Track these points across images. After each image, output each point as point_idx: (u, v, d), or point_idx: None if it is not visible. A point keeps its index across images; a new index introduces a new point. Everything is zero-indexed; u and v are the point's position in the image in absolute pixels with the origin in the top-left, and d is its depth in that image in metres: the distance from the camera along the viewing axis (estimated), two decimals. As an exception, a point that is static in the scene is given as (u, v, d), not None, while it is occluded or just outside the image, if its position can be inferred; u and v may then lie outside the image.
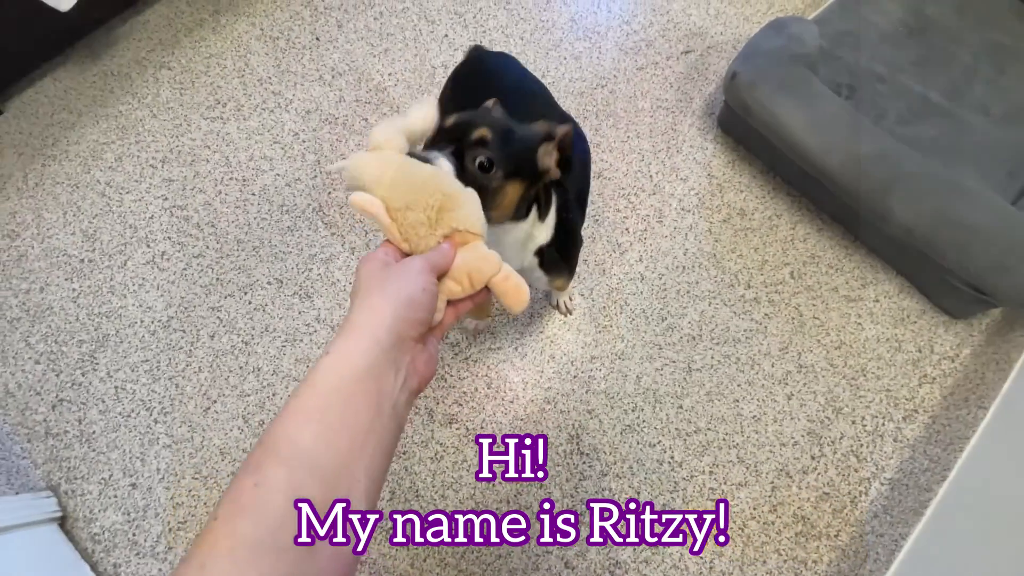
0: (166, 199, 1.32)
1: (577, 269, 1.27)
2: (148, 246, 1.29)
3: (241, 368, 1.19)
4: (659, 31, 1.52)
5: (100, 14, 1.43)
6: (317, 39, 1.47)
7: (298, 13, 1.50)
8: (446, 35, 1.49)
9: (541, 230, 0.73)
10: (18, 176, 1.35)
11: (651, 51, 1.50)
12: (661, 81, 1.46)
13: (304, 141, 1.37)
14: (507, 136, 0.55)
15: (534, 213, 0.69)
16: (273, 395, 1.17)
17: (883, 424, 1.17)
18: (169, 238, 1.29)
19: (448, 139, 0.53)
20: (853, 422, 1.18)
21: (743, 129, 1.36)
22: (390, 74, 1.44)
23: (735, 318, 1.25)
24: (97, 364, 1.19)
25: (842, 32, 1.36)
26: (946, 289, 1.23)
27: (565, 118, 0.97)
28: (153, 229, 1.30)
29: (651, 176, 1.37)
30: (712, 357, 1.22)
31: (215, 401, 1.17)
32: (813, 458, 1.15)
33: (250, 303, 1.24)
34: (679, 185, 1.37)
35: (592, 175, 1.27)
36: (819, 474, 1.14)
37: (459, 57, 1.47)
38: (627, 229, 1.33)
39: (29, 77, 1.44)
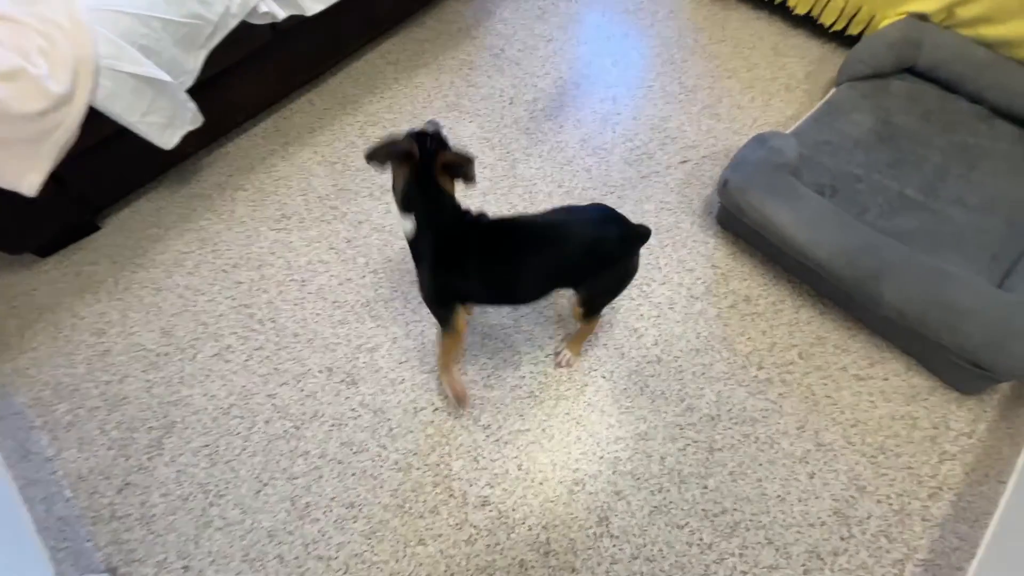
0: (234, 299, 1.52)
1: (598, 353, 1.39)
2: (216, 340, 1.45)
3: (291, 452, 1.29)
4: (658, 145, 1.76)
5: (190, 147, 1.73)
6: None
7: (353, 143, 1.79)
8: (477, 156, 1.75)
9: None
10: (110, 282, 1.57)
11: (652, 162, 1.73)
12: (663, 187, 1.67)
13: (356, 247, 1.59)
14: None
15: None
16: (320, 478, 1.26)
17: (909, 503, 1.19)
18: (235, 333, 1.46)
19: None
20: (879, 501, 1.20)
21: (740, 226, 1.53)
22: (429, 188, 1.68)
23: (751, 398, 1.33)
24: (163, 450, 1.31)
25: (820, 141, 1.57)
26: (950, 366, 1.31)
27: None
28: (221, 325, 1.48)
29: (660, 267, 1.53)
30: (732, 437, 1.28)
31: (266, 484, 1.26)
32: (842, 539, 1.16)
33: (302, 390, 1.37)
34: (686, 275, 1.51)
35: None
36: (850, 556, 1.15)
37: (488, 174, 1.72)
38: (642, 315, 1.46)
39: (127, 199, 1.72)
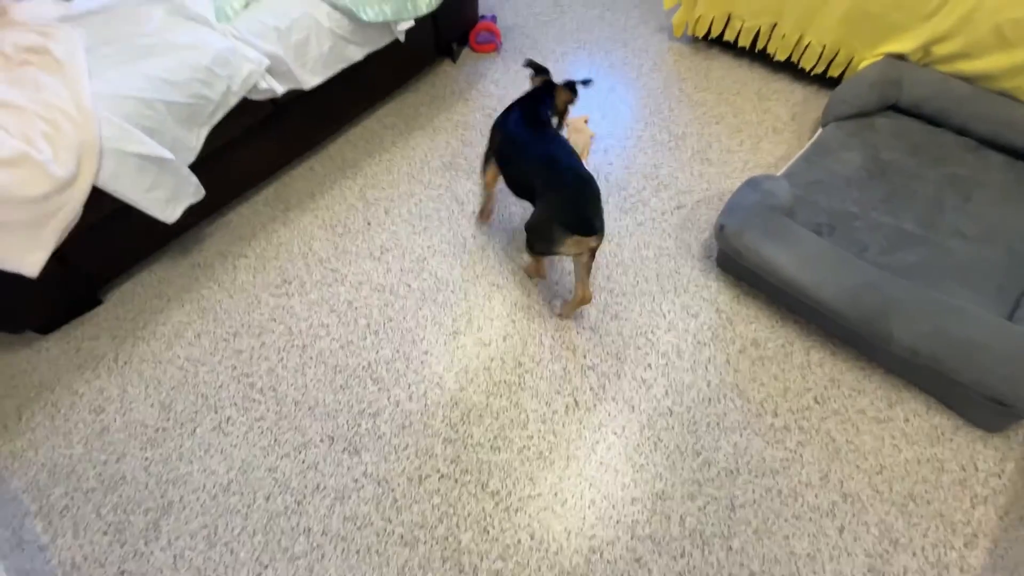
0: (235, 368, 1.50)
1: (607, 407, 1.35)
2: (216, 412, 1.43)
3: (293, 529, 1.24)
4: (652, 192, 1.79)
5: (192, 219, 1.76)
6: (368, 224, 1.77)
7: (353, 205, 1.82)
8: (473, 211, 1.78)
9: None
10: (110, 356, 1.55)
11: (647, 209, 1.74)
12: (660, 232, 1.68)
13: (357, 308, 1.58)
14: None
15: None
16: (322, 557, 1.20)
17: (945, 553, 1.12)
18: (235, 404, 1.43)
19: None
20: (914, 554, 1.13)
21: (740, 269, 1.52)
22: (428, 247, 1.70)
23: (768, 448, 1.28)
24: (160, 532, 1.25)
25: (812, 181, 1.59)
26: (971, 403, 1.26)
27: None
28: (221, 396, 1.45)
29: (664, 314, 1.51)
30: (753, 491, 1.22)
31: (266, 566, 1.20)
32: (882, 600, 1.09)
33: (303, 462, 1.33)
34: (691, 321, 1.49)
35: (610, 317, 1.42)
36: (893, 619, 1.07)
37: (484, 228, 1.74)
38: (649, 365, 1.43)
39: (129, 271, 1.74)
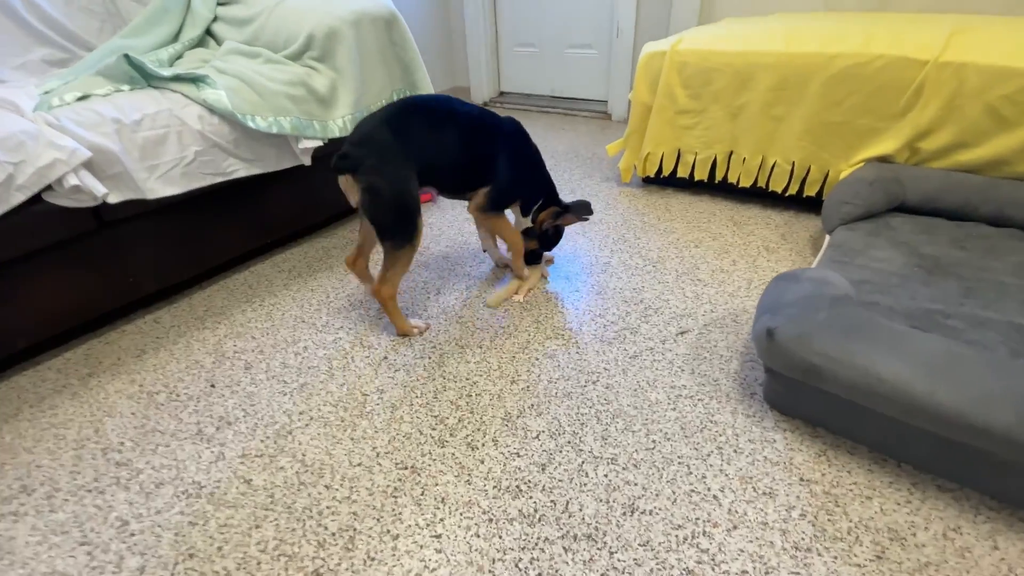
0: None
1: None
2: None
3: None
4: (639, 318, 1.28)
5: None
6: (212, 387, 1.12)
7: (198, 362, 1.19)
8: (385, 357, 1.18)
9: None
10: None
11: (638, 337, 1.21)
12: (667, 366, 1.12)
13: (132, 534, 0.82)
14: None
15: None
16: None
17: None
18: None
19: None
20: None
21: (814, 404, 0.94)
22: (301, 413, 1.04)
23: None
24: None
25: (857, 280, 1.14)
26: None
27: None
28: None
29: (715, 497, 0.84)
30: None
31: None
32: None
33: None
34: (767, 504, 0.82)
35: (623, 510, 0.73)
36: None
37: (401, 377, 1.12)
38: (716, 608, 0.69)
39: None
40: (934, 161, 1.48)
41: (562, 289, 1.42)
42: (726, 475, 0.87)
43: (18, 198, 1.02)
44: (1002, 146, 1.37)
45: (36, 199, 1.06)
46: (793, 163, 1.70)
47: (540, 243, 1.41)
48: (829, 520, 0.79)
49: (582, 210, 1.32)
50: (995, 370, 0.76)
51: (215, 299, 1.44)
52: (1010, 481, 0.80)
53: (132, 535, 0.82)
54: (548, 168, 1.39)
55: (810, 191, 1.71)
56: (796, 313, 0.91)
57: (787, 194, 1.76)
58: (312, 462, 0.93)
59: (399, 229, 1.10)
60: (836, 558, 0.74)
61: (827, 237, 1.42)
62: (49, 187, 1.06)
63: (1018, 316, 1.01)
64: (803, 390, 0.92)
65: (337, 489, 0.87)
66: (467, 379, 1.11)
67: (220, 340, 1.26)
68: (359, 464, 0.92)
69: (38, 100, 1.15)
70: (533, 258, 1.44)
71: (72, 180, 1.06)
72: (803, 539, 0.76)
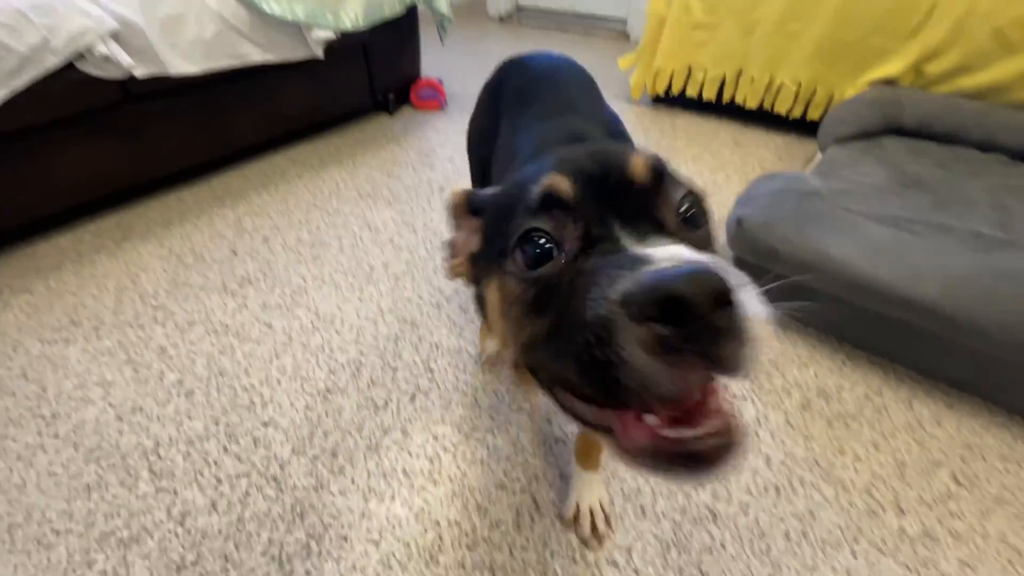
0: (-101, 458, 0.80)
1: (624, 521, 0.72)
2: None
3: None
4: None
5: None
6: (234, 253, 1.24)
7: (220, 233, 1.30)
8: (391, 239, 1.29)
9: None
10: None
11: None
12: (648, 259, 1.22)
13: (171, 357, 0.96)
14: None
15: None
16: None
17: None
18: None
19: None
20: None
21: (771, 290, 1.04)
22: (315, 276, 1.16)
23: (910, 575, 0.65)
24: None
25: (836, 190, 1.20)
26: None
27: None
28: None
29: (671, 358, 0.96)
30: None
31: None
32: None
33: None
34: (714, 366, 0.94)
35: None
36: None
37: (405, 256, 1.23)
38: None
39: None
40: (938, 85, 1.49)
41: (559, 192, 1.50)
42: (685, 342, 0.99)
43: (52, 61, 1.09)
44: (1005, 71, 1.37)
45: (69, 67, 1.12)
46: (800, 83, 1.70)
47: None
48: (766, 378, 0.91)
49: None
50: (931, 252, 0.85)
51: (232, 183, 1.53)
52: (940, 356, 0.91)
53: (170, 358, 0.96)
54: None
55: (813, 114, 1.73)
56: (765, 204, 0.99)
57: (791, 116, 1.78)
58: (324, 314, 1.06)
59: None
60: (766, 404, 0.86)
61: (819, 154, 1.47)
62: (81, 56, 1.12)
63: (981, 225, 1.08)
64: (760, 275, 1.02)
65: (346, 334, 1.01)
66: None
67: (239, 217, 1.37)
68: (366, 317, 1.05)
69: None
70: None
71: (102, 49, 1.12)
72: (741, 392, 0.89)
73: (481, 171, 0.81)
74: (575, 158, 0.36)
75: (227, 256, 1.23)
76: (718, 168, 1.62)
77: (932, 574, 0.66)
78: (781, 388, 0.90)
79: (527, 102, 0.70)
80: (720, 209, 1.41)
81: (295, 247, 1.26)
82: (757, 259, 0.98)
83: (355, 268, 1.19)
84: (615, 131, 0.72)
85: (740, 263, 1.05)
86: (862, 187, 1.22)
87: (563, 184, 0.33)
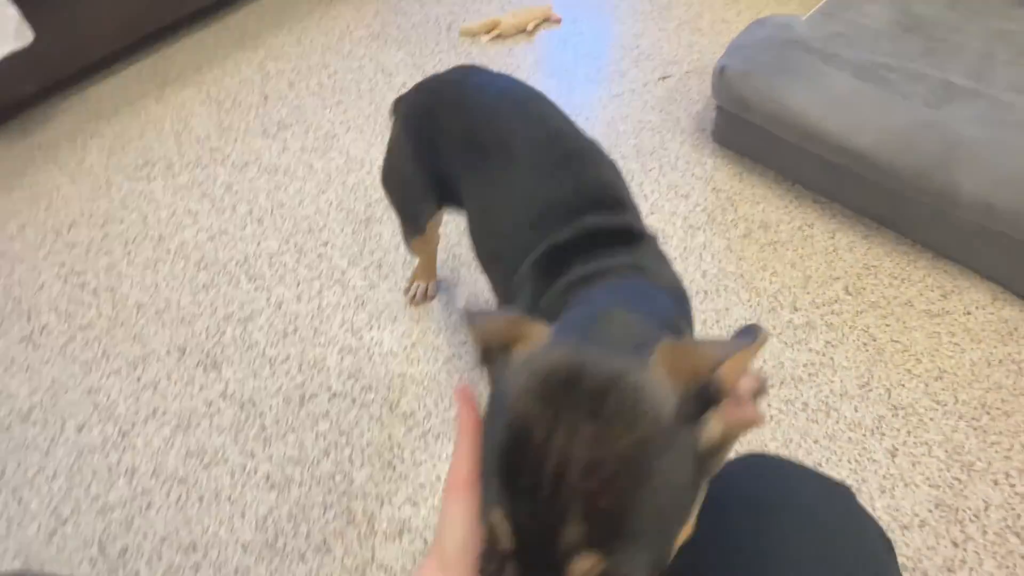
0: (63, 265, 1.09)
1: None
2: (28, 320, 1.02)
3: (110, 470, 0.85)
4: (632, 62, 1.42)
5: (31, 87, 1.34)
6: (266, 98, 1.37)
7: (249, 79, 1.42)
8: (404, 83, 1.39)
9: None
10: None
11: (625, 80, 1.38)
12: (640, 105, 1.32)
13: (237, 192, 1.19)
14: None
15: None
16: (147, 506, 0.81)
17: (1045, 480, 0.78)
18: (56, 308, 1.03)
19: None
20: (995, 482, 0.80)
21: (745, 138, 1.17)
22: (342, 122, 1.31)
23: (788, 350, 0.93)
24: (-89, 480, 0.85)
25: (832, 33, 1.23)
26: (1056, 286, 0.93)
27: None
28: (39, 300, 1.05)
29: (646, 196, 1.15)
30: (773, 405, 0.87)
31: (66, 521, 0.81)
32: (955, 545, 0.75)
33: (138, 380, 0.94)
34: (681, 203, 1.14)
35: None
36: (971, 570, 0.73)
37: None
38: (625, 256, 1.06)
39: (-50, 161, 1.32)
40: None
41: (566, 32, 1.52)
42: (658, 183, 1.17)
43: None
44: None
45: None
46: None
47: None
48: (721, 213, 1.11)
49: None
50: (878, 105, 0.97)
51: (248, 23, 1.57)
52: (870, 198, 1.08)
53: (236, 193, 1.19)
54: None
55: (848, -68, 1.59)
56: (748, 54, 1.07)
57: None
58: (355, 156, 1.24)
59: None
60: (714, 233, 1.08)
61: (835, -12, 1.42)
62: None
63: (954, 75, 1.14)
64: (737, 124, 1.14)
65: (376, 174, 1.20)
66: (473, 105, 1.34)
67: (262, 61, 1.46)
68: (389, 159, 1.23)
69: None
70: None
71: None
72: (696, 222, 1.10)
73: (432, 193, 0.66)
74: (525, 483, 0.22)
75: (260, 101, 1.36)
76: (731, 3, 1.58)
77: (802, 349, 0.94)
78: (731, 221, 1.10)
79: (489, 156, 0.52)
80: (720, 51, 1.43)
81: (318, 92, 1.38)
82: (733, 108, 1.10)
83: (375, 113, 1.33)
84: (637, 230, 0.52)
85: (723, 112, 1.17)
86: (860, 29, 1.25)
87: (503, 531, 0.23)
